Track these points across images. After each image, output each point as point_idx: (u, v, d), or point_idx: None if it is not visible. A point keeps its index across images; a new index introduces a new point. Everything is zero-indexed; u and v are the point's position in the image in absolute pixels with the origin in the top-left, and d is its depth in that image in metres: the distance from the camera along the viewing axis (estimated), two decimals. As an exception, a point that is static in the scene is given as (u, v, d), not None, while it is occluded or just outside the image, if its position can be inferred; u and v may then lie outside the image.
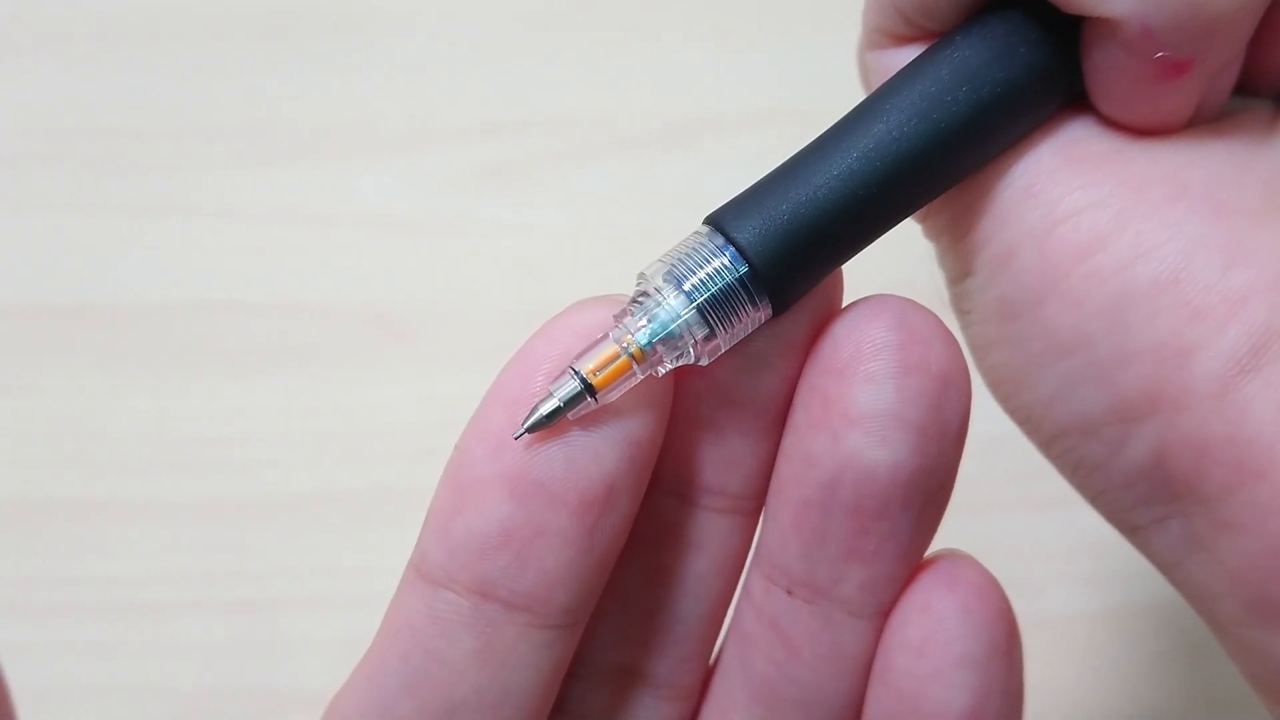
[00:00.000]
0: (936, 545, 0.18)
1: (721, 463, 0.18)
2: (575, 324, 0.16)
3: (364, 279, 0.35)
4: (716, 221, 0.16)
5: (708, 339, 0.16)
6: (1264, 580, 0.16)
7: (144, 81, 0.37)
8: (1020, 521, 0.32)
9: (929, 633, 0.17)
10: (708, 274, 0.16)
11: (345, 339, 0.35)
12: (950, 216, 0.19)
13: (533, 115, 0.37)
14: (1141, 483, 0.17)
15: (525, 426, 0.16)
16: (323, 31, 0.38)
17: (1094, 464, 0.18)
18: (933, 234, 0.20)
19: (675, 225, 0.19)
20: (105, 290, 0.35)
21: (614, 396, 0.16)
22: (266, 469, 0.33)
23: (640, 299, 0.16)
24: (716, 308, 0.16)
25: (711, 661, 0.19)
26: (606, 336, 0.16)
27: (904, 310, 0.16)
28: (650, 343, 0.16)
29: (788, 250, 0.16)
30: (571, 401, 0.16)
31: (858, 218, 0.17)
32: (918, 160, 0.17)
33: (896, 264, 0.21)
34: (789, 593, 0.17)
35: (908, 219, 0.18)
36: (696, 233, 0.17)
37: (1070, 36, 0.17)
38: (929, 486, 0.17)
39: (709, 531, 0.18)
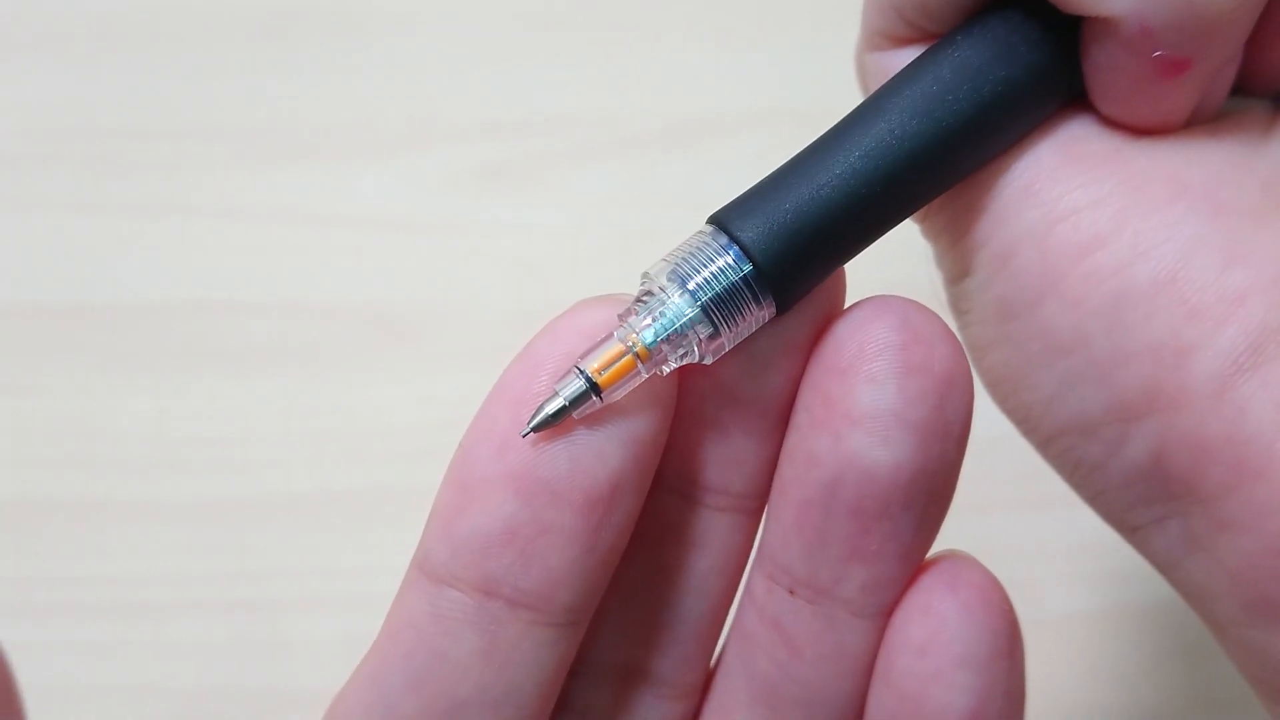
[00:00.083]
0: (936, 545, 0.18)
1: (724, 462, 0.18)
2: (579, 323, 0.16)
3: (364, 279, 0.35)
4: (720, 221, 0.17)
5: (712, 338, 0.16)
6: (1262, 580, 0.16)
7: (144, 81, 0.37)
8: (1020, 521, 0.32)
9: (931, 633, 0.17)
10: (712, 273, 0.16)
11: (345, 339, 0.35)
12: (950, 216, 0.19)
13: (533, 115, 0.37)
14: (1140, 482, 0.17)
15: (531, 426, 0.16)
16: (323, 31, 0.38)
17: (1092, 464, 0.18)
18: (932, 234, 0.20)
19: (676, 225, 0.19)
20: (105, 290, 0.35)
21: (619, 395, 0.16)
22: (266, 469, 0.33)
23: (644, 298, 0.16)
24: (720, 306, 0.16)
25: (714, 661, 0.19)
26: (611, 335, 0.16)
27: (907, 311, 0.16)
28: (655, 341, 0.16)
29: (791, 249, 0.16)
30: (577, 400, 0.16)
31: (860, 216, 0.17)
32: (920, 158, 0.17)
33: (896, 264, 0.21)
34: (791, 592, 0.17)
35: (907, 219, 0.18)
36: (700, 232, 0.17)
37: (1070, 36, 0.17)
38: (931, 487, 0.17)
39: (712, 530, 0.18)
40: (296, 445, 0.33)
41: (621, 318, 0.16)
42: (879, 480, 0.16)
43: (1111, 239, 0.17)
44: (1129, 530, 0.18)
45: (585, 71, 0.38)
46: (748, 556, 0.19)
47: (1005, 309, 0.18)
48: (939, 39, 0.18)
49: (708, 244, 0.16)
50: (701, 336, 0.16)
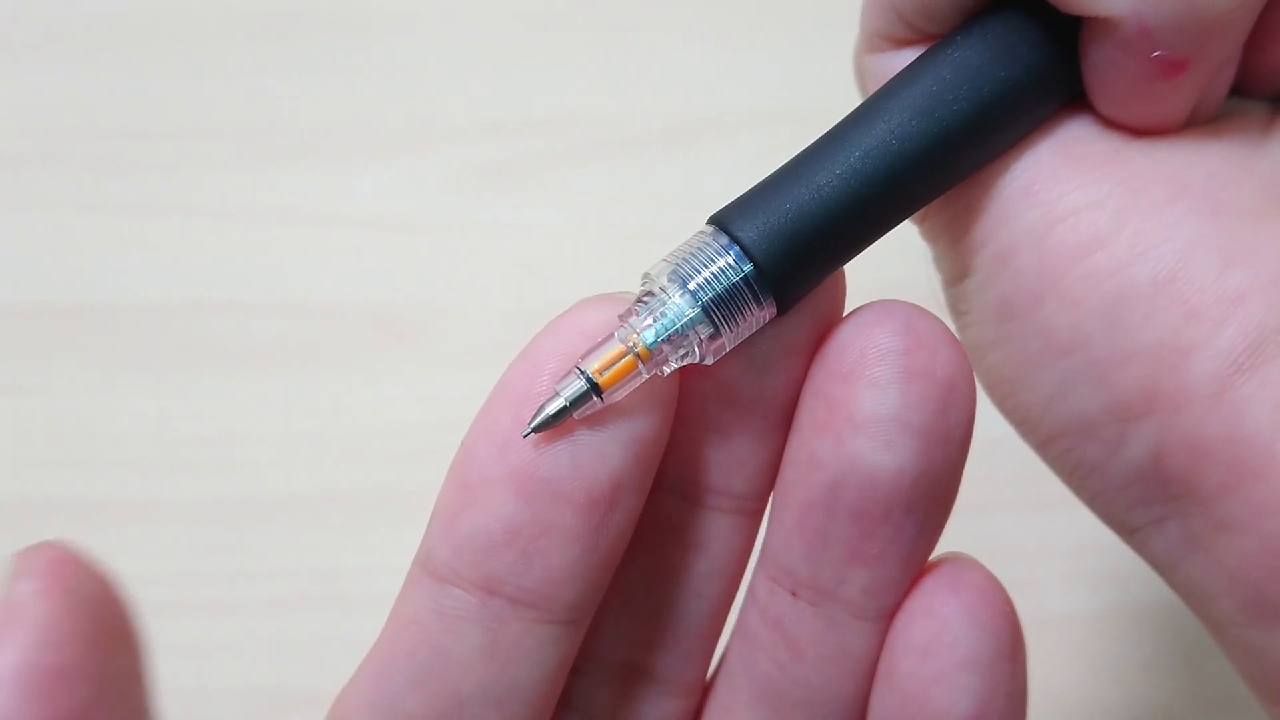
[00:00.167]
0: (937, 546, 0.18)
1: (726, 463, 0.18)
2: (580, 323, 0.16)
3: (364, 279, 0.35)
4: (720, 221, 0.17)
5: (713, 338, 0.16)
6: (1261, 580, 0.16)
7: (144, 81, 0.37)
8: (1020, 521, 0.32)
9: (933, 635, 0.17)
10: (712, 273, 0.16)
11: (345, 339, 0.35)
12: (949, 217, 0.19)
13: (533, 115, 0.37)
14: (1139, 483, 0.17)
15: (532, 426, 0.16)
16: (323, 31, 0.38)
17: (1091, 465, 0.18)
18: (931, 235, 0.20)
19: (675, 225, 0.19)
20: (105, 290, 0.35)
21: (620, 396, 0.16)
22: (266, 469, 0.33)
23: (645, 298, 0.16)
24: (721, 307, 0.16)
25: (716, 662, 0.19)
26: (612, 336, 0.16)
27: (910, 316, 0.16)
28: (656, 341, 0.16)
29: (792, 249, 0.16)
30: (578, 401, 0.16)
31: (861, 216, 0.17)
32: (920, 159, 0.17)
33: (896, 265, 0.21)
34: (793, 594, 0.17)
35: (907, 220, 0.18)
36: (700, 233, 0.17)
37: (1069, 36, 0.17)
38: (933, 491, 0.17)
39: (712, 531, 0.18)
40: (297, 445, 0.33)
41: (622, 318, 0.16)
42: (881, 485, 0.16)
43: (1111, 239, 0.17)
44: (1128, 531, 0.18)
45: (585, 71, 0.38)
46: (748, 557, 0.19)
47: (1004, 309, 0.18)
48: (938, 40, 0.18)
49: (708, 244, 0.16)
50: (702, 337, 0.16)
